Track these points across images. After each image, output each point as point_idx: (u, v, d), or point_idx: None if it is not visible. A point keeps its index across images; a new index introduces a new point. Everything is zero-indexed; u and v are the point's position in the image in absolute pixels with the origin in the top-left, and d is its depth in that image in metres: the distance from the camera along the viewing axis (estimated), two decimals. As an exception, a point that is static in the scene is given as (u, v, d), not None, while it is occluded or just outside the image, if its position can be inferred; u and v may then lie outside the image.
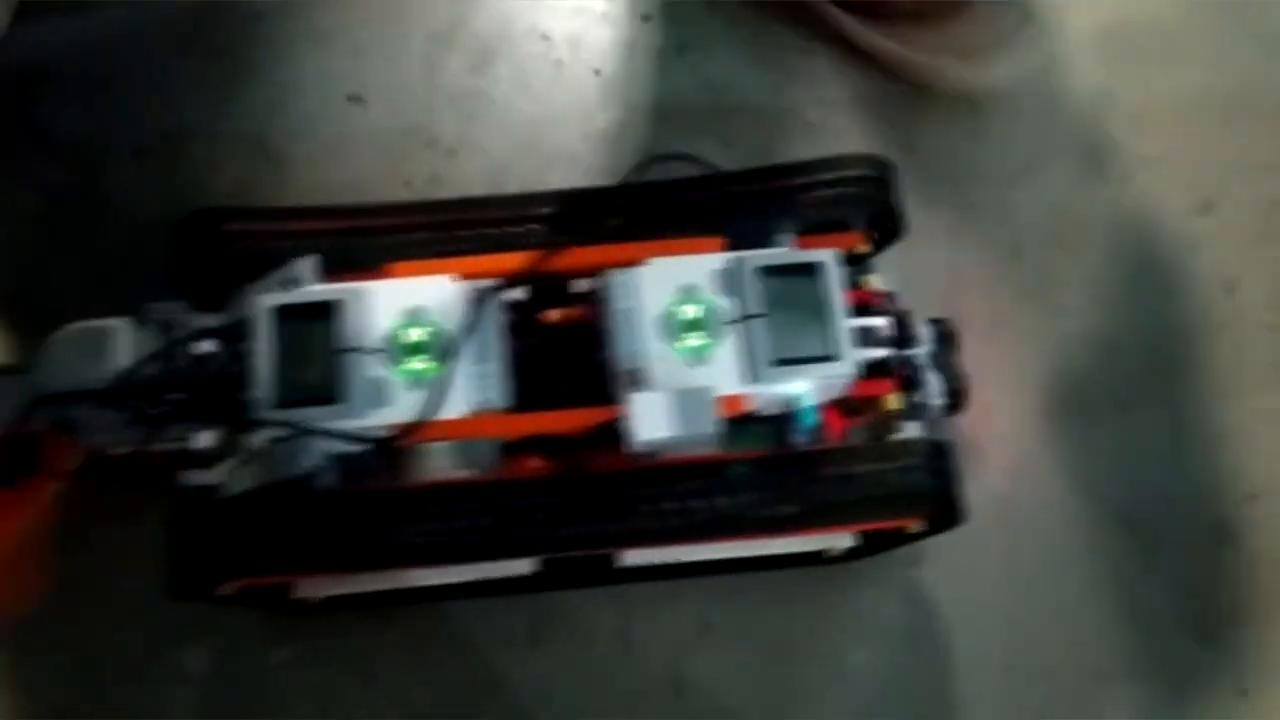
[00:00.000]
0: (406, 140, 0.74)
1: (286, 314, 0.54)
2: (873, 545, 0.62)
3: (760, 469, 0.55)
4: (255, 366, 0.53)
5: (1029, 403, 0.71)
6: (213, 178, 0.72)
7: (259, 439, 0.53)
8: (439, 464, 0.57)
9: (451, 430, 0.53)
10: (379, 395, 0.53)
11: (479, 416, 0.54)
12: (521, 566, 0.60)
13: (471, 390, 0.54)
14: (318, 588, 0.60)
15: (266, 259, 0.58)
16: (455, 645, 0.65)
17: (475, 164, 0.74)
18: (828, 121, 0.76)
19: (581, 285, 0.57)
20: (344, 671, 0.64)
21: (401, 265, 0.57)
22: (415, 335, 0.54)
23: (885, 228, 0.61)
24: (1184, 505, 0.71)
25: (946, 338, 0.61)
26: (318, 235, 0.58)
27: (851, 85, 0.77)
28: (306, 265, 0.57)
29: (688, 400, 0.52)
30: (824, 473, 0.55)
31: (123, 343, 0.55)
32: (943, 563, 0.67)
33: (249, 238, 0.59)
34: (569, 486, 0.54)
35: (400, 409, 0.53)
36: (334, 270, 0.57)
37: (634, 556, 0.61)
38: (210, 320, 0.57)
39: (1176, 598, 0.69)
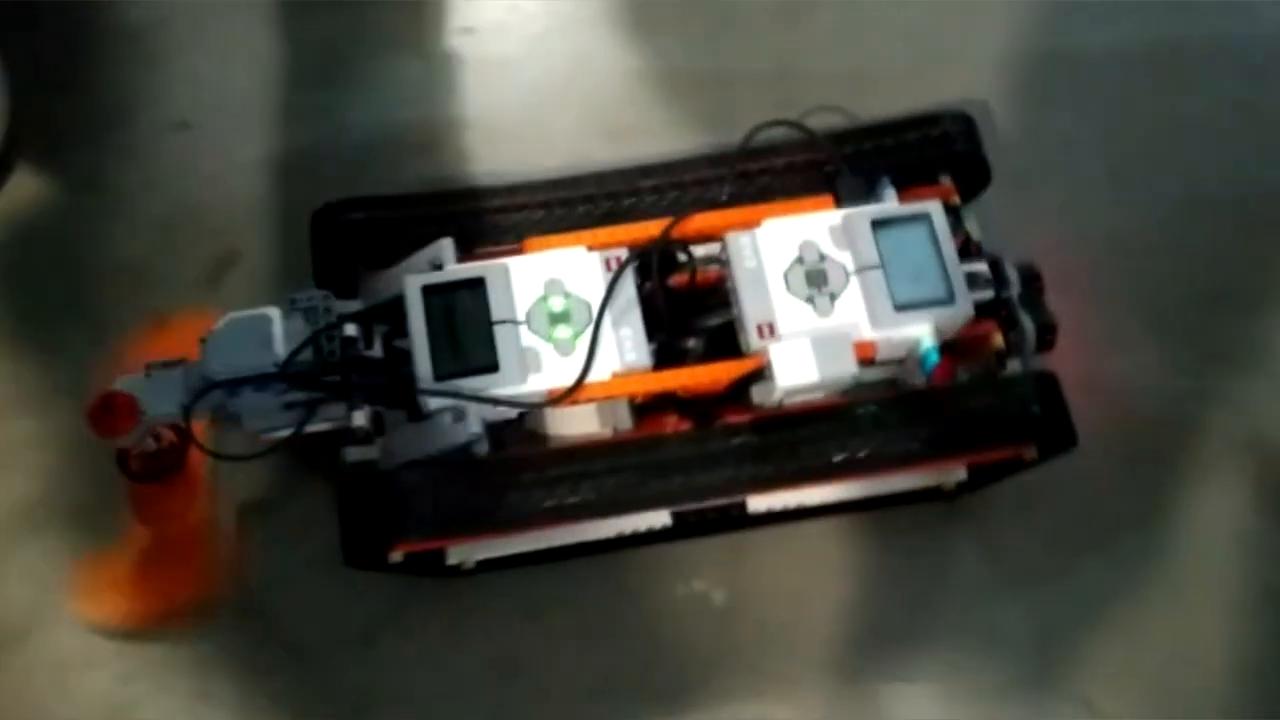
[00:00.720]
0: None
1: (436, 291, 0.57)
2: (983, 478, 0.66)
3: (886, 410, 0.59)
4: (413, 344, 0.56)
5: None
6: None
7: (421, 412, 0.57)
8: (581, 427, 0.61)
9: (601, 391, 0.57)
10: (531, 363, 0.57)
11: (625, 376, 0.57)
12: (657, 519, 0.64)
13: (615, 353, 0.57)
14: (472, 552, 0.64)
15: (397, 244, 0.62)
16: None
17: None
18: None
19: (704, 249, 0.61)
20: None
21: (535, 240, 0.60)
22: (557, 305, 0.58)
23: (972, 178, 0.65)
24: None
25: (1032, 280, 0.64)
26: (446, 219, 0.62)
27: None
28: (445, 246, 0.60)
29: (827, 345, 0.56)
30: (946, 409, 0.59)
31: (278, 330, 0.58)
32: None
33: (379, 225, 0.63)
34: (708, 438, 0.58)
35: (552, 374, 0.57)
36: (467, 250, 0.61)
37: (760, 503, 0.65)
38: (352, 305, 0.61)
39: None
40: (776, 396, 0.56)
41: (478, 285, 0.57)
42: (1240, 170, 0.78)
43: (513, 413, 0.57)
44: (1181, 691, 0.66)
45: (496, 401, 0.55)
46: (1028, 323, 0.63)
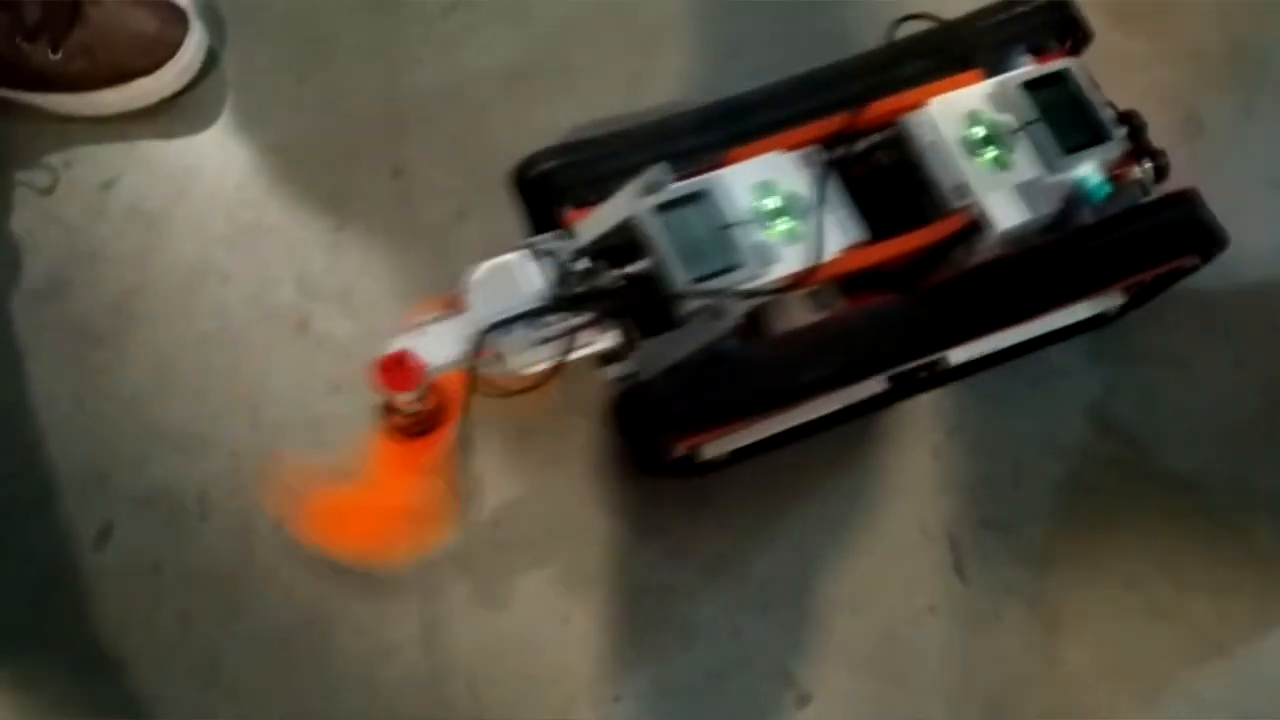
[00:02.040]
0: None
1: (668, 208, 0.63)
2: (1143, 297, 0.75)
3: (1062, 248, 0.67)
4: (661, 257, 0.62)
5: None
6: None
7: (673, 322, 0.63)
8: (800, 315, 0.67)
9: (835, 268, 0.64)
10: (768, 256, 0.63)
11: (852, 252, 0.64)
12: (874, 386, 0.71)
13: (838, 232, 0.64)
14: (727, 444, 0.70)
15: (607, 181, 0.67)
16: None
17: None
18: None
19: (879, 136, 0.68)
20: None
21: (737, 152, 0.66)
22: (774, 203, 0.64)
23: (1076, 39, 0.73)
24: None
25: (1139, 125, 0.73)
26: (644, 147, 0.67)
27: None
28: (661, 170, 0.65)
29: (1028, 190, 0.63)
30: (1116, 237, 0.67)
31: (527, 271, 0.63)
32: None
33: (577, 167, 0.68)
34: (928, 297, 0.65)
35: (787, 263, 0.63)
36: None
37: (958, 355, 0.72)
38: (583, 238, 0.66)
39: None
40: (991, 241, 0.64)
41: (702, 197, 0.63)
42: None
43: (750, 306, 0.63)
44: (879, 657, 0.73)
45: (752, 294, 0.61)
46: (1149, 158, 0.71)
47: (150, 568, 0.72)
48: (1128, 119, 0.70)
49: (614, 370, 0.64)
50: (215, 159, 0.82)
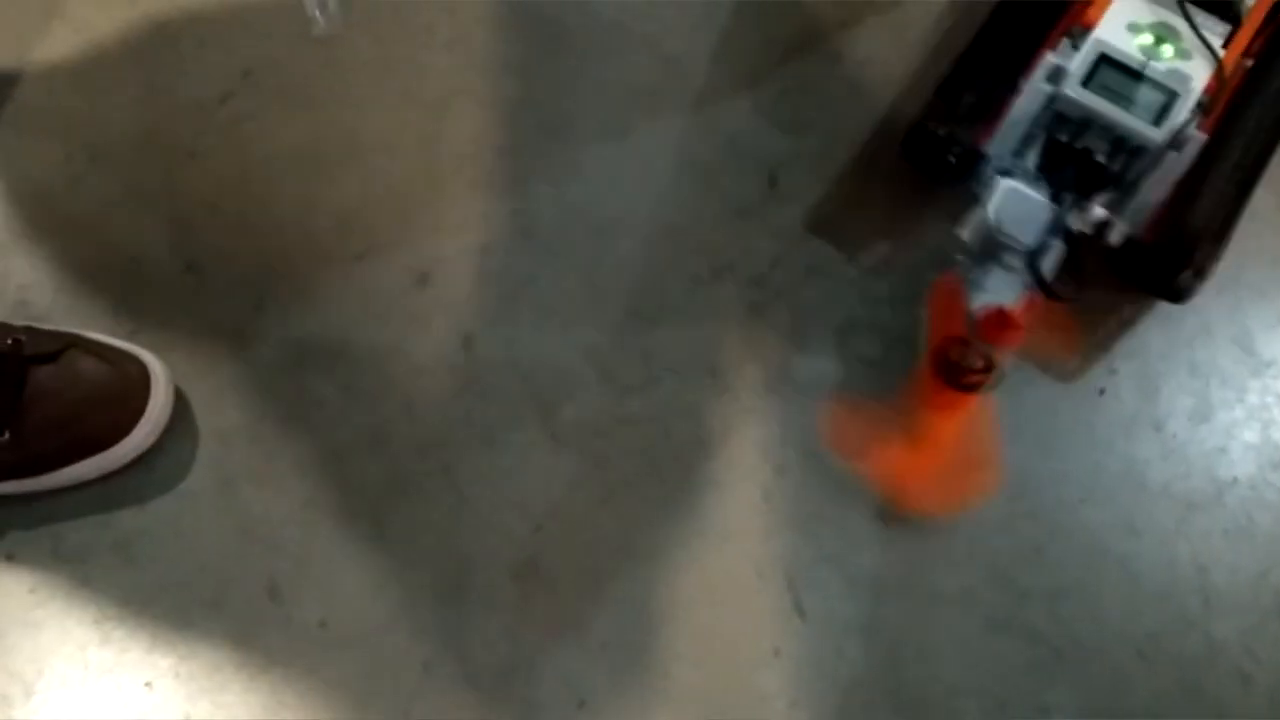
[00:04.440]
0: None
1: (1086, 82, 0.69)
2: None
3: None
4: (1122, 122, 0.69)
5: None
6: None
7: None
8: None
9: (1229, 60, 0.71)
10: (1182, 78, 0.70)
11: (1228, 46, 0.72)
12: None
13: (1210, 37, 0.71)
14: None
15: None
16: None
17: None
18: None
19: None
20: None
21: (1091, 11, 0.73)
22: (1149, 37, 0.71)
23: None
24: None
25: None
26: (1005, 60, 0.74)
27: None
28: (1058, 54, 0.72)
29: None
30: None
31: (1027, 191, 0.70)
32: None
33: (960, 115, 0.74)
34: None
35: (1197, 75, 0.70)
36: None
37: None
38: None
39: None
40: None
41: (1103, 59, 0.70)
42: None
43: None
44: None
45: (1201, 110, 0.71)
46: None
47: None
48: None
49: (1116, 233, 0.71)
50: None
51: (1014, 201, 0.69)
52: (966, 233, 0.70)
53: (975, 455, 0.74)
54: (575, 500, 0.75)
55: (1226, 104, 0.72)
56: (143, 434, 0.72)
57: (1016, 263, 0.69)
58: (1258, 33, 0.73)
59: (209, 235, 0.80)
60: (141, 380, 0.72)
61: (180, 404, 0.75)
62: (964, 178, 0.73)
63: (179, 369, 0.76)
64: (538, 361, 0.78)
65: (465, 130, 0.84)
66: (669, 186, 0.82)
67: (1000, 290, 0.69)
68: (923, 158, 0.76)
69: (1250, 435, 0.77)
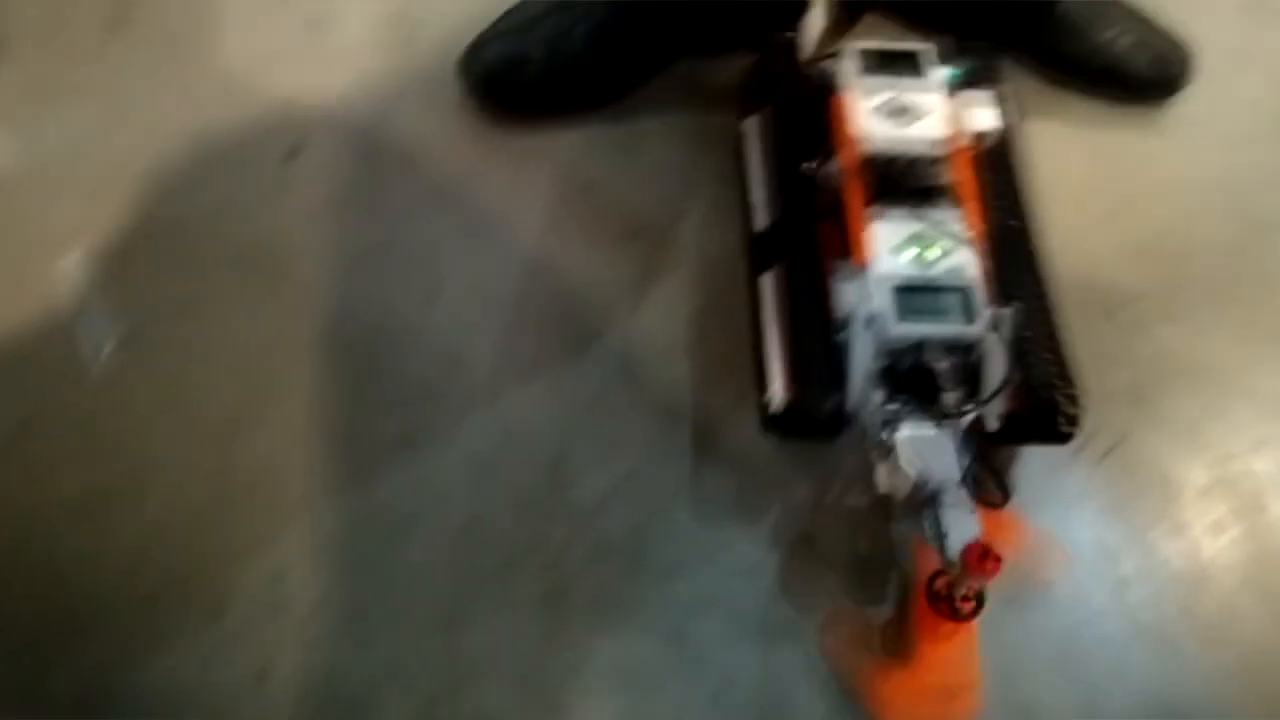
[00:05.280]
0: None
1: (901, 308, 0.74)
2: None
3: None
4: (952, 332, 0.73)
5: None
6: None
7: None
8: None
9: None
10: (961, 274, 0.76)
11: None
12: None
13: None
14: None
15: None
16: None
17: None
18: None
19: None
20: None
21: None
22: (913, 252, 0.75)
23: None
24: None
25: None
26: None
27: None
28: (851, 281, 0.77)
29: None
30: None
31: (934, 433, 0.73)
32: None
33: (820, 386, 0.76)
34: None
35: (969, 264, 0.76)
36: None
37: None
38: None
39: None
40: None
41: (902, 290, 0.74)
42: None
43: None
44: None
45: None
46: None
47: None
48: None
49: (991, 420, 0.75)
50: None
51: (919, 448, 0.70)
52: (898, 496, 0.72)
53: (959, 679, 0.75)
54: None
55: (995, 273, 0.77)
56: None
57: (955, 495, 0.70)
58: (977, 202, 0.79)
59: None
60: None
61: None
62: (835, 435, 0.76)
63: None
64: (335, 687, 0.77)
65: (255, 453, 0.84)
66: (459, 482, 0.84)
67: (961, 526, 0.69)
68: (792, 432, 0.78)
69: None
